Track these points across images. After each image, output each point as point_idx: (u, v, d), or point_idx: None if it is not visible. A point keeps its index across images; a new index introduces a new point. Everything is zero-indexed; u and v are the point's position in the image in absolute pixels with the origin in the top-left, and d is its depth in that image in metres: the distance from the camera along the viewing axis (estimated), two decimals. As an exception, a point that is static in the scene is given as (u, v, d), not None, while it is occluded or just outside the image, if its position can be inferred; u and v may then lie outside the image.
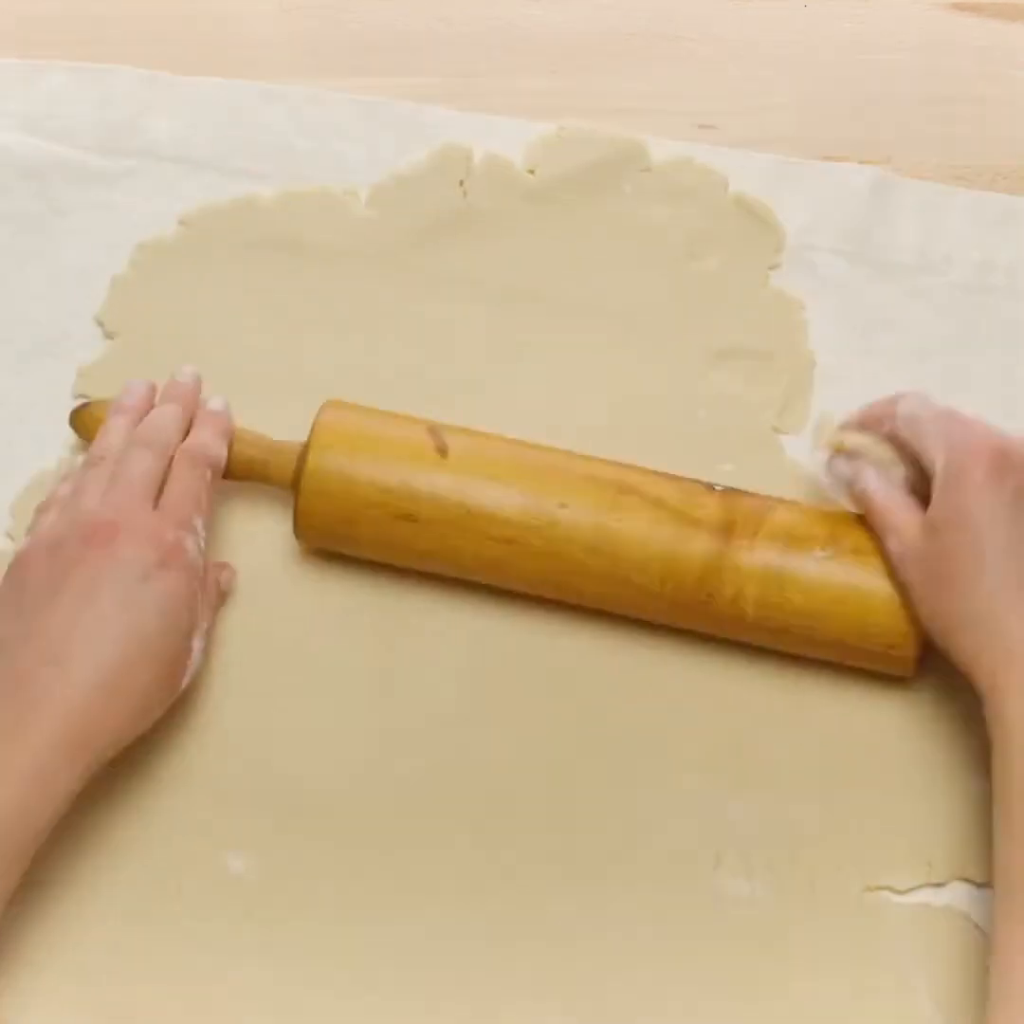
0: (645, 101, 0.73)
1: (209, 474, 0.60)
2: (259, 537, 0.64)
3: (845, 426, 0.62)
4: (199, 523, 0.58)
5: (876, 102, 0.73)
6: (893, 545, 0.59)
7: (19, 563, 0.57)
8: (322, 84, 0.71)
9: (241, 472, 0.62)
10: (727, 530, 0.59)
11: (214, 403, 0.62)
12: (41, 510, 0.60)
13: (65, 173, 0.68)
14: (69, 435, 0.65)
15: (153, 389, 0.62)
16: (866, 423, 0.62)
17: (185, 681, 0.58)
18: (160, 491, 0.58)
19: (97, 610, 0.54)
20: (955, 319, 0.69)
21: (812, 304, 0.68)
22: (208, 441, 0.60)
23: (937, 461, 0.58)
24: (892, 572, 0.59)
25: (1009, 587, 0.56)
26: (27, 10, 0.71)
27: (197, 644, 0.58)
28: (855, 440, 0.61)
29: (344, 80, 0.72)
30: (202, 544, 0.58)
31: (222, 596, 0.62)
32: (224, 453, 0.61)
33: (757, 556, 0.59)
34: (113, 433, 0.60)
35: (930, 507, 0.59)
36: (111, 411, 0.61)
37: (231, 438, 0.61)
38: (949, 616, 0.58)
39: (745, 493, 0.61)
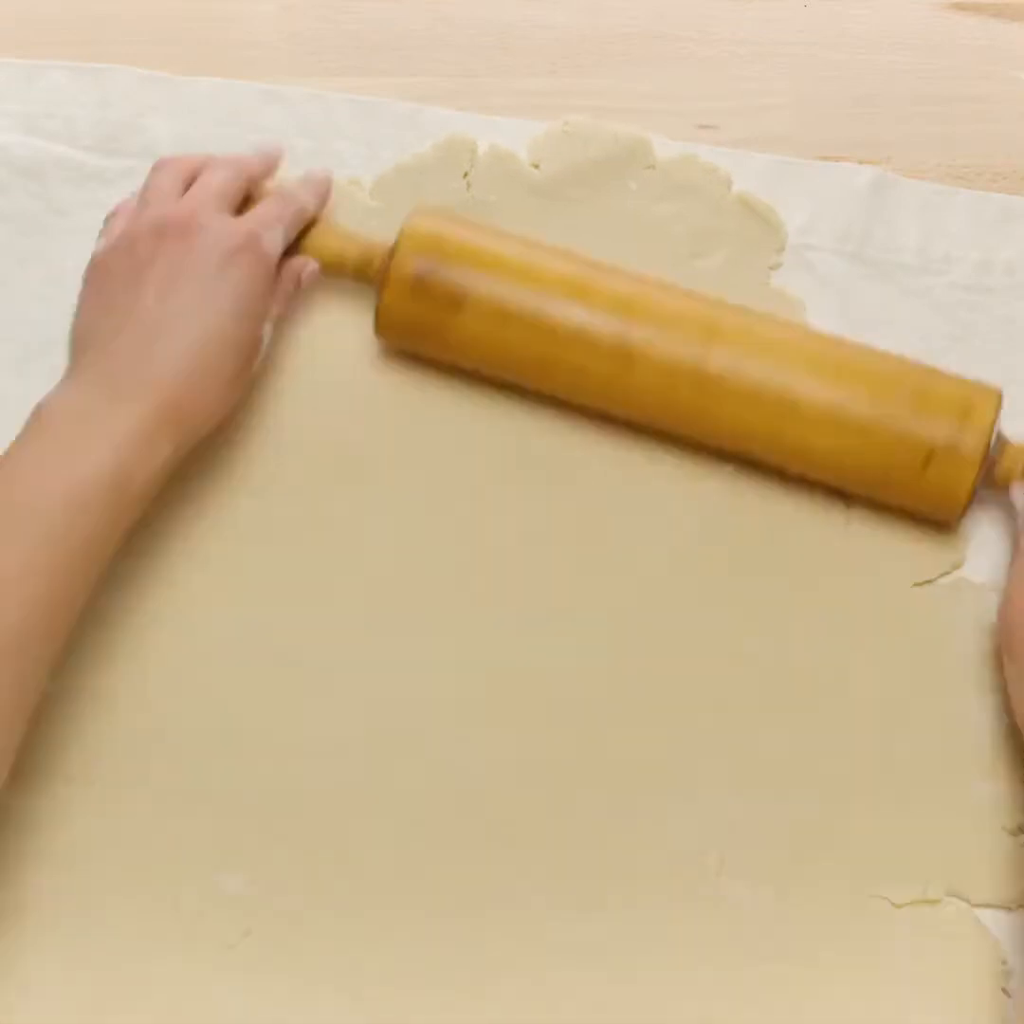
0: (645, 101, 0.73)
1: (292, 212, 0.63)
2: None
3: None
4: (278, 229, 0.62)
5: (876, 102, 0.73)
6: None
7: (98, 264, 0.61)
8: (322, 84, 0.71)
9: (329, 258, 0.64)
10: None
11: (318, 171, 0.66)
12: (110, 218, 0.63)
13: (65, 173, 0.68)
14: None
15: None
16: None
17: (255, 365, 0.61)
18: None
19: (180, 298, 0.58)
20: (954, 319, 0.69)
21: (812, 304, 0.68)
22: (299, 190, 0.65)
23: None
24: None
25: None
26: (27, 10, 0.71)
27: (267, 329, 0.62)
28: None
29: (344, 80, 0.72)
30: (278, 239, 0.62)
31: (297, 284, 0.64)
32: (313, 206, 0.65)
33: None
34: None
35: None
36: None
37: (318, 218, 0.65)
38: None
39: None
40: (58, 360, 0.66)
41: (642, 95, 0.73)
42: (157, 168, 0.63)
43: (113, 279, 0.60)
